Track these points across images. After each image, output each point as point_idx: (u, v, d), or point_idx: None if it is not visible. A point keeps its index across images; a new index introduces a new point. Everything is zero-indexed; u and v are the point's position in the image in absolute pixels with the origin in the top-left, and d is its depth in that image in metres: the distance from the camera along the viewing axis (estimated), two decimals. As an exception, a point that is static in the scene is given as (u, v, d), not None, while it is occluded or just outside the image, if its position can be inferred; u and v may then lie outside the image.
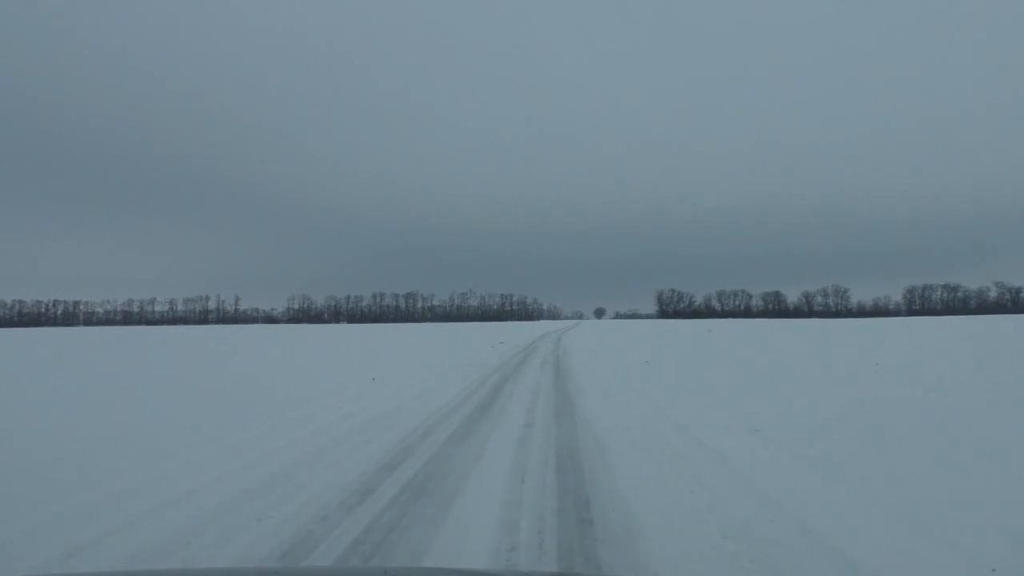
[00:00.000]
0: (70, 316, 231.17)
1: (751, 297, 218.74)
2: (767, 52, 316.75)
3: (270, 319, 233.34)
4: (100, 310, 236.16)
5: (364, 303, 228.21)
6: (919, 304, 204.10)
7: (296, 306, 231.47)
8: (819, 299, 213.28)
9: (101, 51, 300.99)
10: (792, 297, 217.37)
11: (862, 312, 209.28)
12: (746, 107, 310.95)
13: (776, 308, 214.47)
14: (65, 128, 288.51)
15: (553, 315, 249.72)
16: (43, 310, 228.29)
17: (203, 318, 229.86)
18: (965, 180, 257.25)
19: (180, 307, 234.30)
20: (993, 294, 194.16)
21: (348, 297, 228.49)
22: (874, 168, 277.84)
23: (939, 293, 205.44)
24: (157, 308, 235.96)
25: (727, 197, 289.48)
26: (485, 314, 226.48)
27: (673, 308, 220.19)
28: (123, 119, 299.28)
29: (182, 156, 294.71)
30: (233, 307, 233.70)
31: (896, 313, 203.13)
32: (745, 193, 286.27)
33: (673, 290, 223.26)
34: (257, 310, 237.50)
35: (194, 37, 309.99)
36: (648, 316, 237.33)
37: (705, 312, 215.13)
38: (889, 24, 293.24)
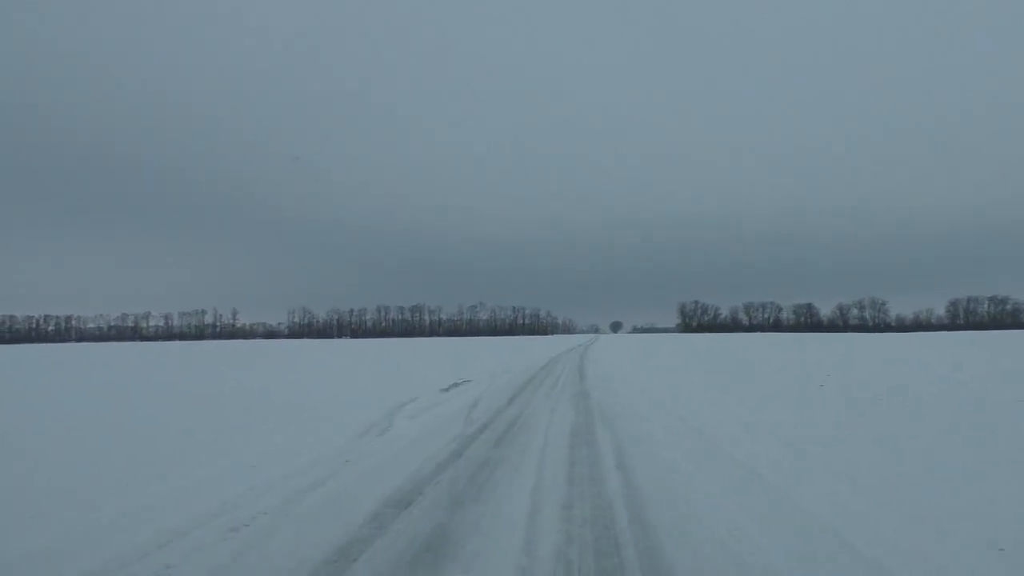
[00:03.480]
0: (62, 332, 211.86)
1: (781, 309, 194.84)
2: (796, 52, 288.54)
3: (271, 333, 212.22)
4: (93, 326, 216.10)
5: (368, 317, 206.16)
6: (963, 318, 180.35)
7: (297, 320, 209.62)
8: (855, 312, 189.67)
9: (91, 59, 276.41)
10: (826, 310, 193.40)
11: (902, 326, 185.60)
12: (773, 111, 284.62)
13: (808, 321, 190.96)
14: (53, 139, 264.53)
15: (568, 329, 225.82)
16: (34, 326, 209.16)
17: (200, 333, 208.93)
18: (1013, 185, 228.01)
19: (176, 322, 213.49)
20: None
21: (351, 311, 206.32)
22: (915, 173, 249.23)
23: (986, 306, 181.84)
24: (152, 323, 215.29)
25: (754, 205, 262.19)
26: (496, 329, 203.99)
27: (697, 321, 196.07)
28: (113, 129, 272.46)
29: (175, 167, 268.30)
30: (231, 321, 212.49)
31: (939, 327, 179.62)
32: (773, 200, 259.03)
33: (696, 302, 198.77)
34: (263, 324, 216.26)
35: (188, 48, 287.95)
36: (666, 330, 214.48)
37: (731, 326, 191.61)
38: (928, 20, 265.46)
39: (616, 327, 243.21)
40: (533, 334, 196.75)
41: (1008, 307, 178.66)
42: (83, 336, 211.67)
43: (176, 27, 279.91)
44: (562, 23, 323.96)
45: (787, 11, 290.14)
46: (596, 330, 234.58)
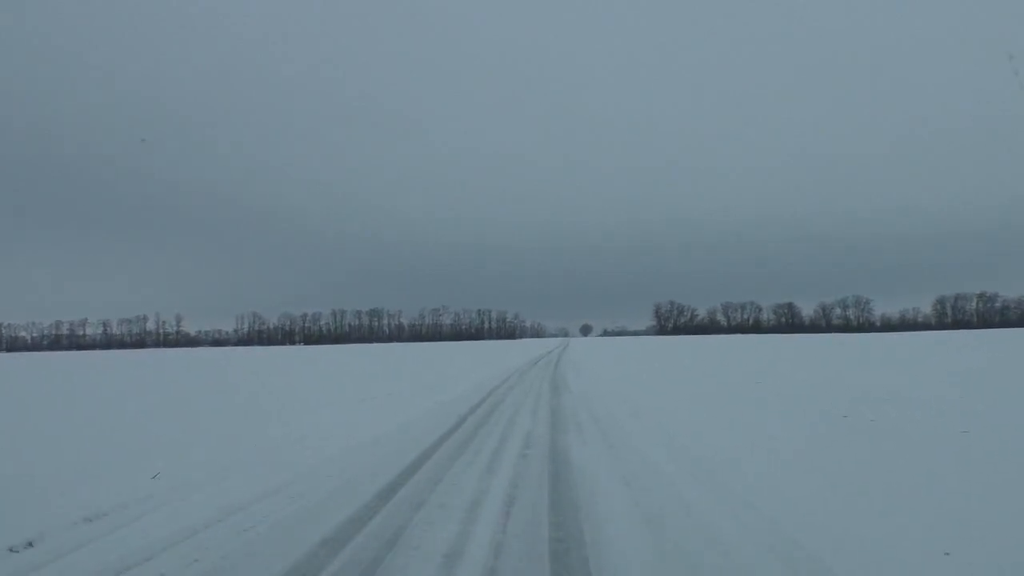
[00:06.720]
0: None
1: (761, 310, 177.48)
2: (783, 61, 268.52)
3: (217, 341, 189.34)
4: (25, 334, 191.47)
5: (323, 322, 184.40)
6: (951, 316, 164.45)
7: (246, 326, 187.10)
8: (838, 311, 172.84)
9: (25, 53, 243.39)
10: (807, 310, 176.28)
11: (887, 326, 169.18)
12: (751, 116, 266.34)
13: (789, 322, 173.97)
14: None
15: (537, 332, 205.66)
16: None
17: (141, 341, 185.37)
18: (1004, 186, 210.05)
19: (115, 330, 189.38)
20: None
21: (305, 315, 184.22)
22: (900, 173, 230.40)
23: (974, 303, 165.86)
24: (89, 331, 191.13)
25: (731, 204, 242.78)
26: (460, 333, 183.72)
27: (673, 323, 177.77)
28: (44, 123, 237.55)
29: (112, 162, 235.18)
30: (175, 328, 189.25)
31: (926, 326, 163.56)
32: (751, 200, 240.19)
33: (672, 303, 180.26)
34: (216, 331, 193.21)
35: (150, 43, 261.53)
36: (637, 332, 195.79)
37: (709, 327, 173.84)
38: (912, 30, 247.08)
39: (586, 330, 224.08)
40: (500, 338, 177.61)
41: (997, 304, 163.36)
42: (14, 346, 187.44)
43: (157, 29, 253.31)
44: (541, 27, 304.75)
45: (801, 19, 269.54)
46: (566, 334, 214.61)
